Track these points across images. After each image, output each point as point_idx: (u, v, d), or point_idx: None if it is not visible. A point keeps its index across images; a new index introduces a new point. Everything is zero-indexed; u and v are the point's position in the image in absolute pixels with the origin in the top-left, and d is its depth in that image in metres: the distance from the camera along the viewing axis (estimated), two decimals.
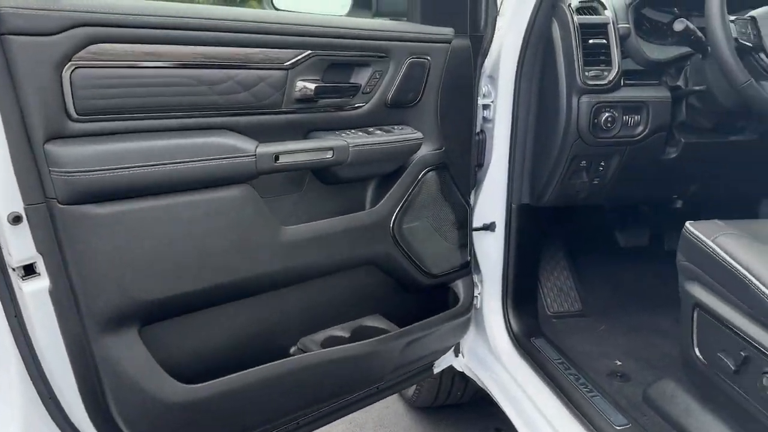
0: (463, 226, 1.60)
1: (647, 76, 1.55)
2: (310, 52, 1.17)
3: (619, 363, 1.67)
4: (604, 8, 1.54)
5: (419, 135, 1.38)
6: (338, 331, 1.36)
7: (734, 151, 1.61)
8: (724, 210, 2.02)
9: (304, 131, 1.23)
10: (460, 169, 1.58)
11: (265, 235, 1.15)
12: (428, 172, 1.45)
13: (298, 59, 1.16)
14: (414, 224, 1.45)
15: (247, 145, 1.09)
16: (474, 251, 1.80)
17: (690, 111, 1.55)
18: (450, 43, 1.42)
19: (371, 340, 1.32)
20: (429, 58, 1.38)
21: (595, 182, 1.64)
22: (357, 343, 1.30)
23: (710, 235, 1.19)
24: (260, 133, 1.14)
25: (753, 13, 1.33)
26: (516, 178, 1.70)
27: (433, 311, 1.52)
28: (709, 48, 1.43)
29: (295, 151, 1.14)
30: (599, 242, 2.11)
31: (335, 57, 1.22)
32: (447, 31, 1.42)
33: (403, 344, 1.39)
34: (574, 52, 1.48)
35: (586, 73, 1.48)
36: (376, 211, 1.36)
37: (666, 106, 1.52)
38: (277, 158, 1.11)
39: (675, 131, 1.57)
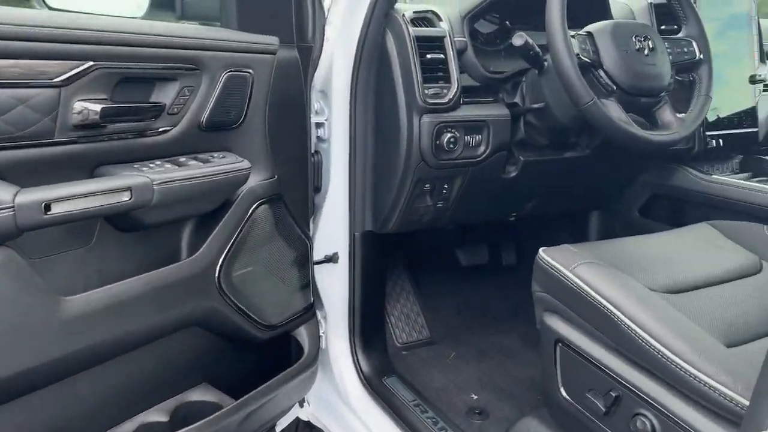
0: (304, 264, 1.40)
1: (484, 93, 1.48)
2: (92, 63, 0.89)
3: (476, 397, 1.58)
4: (440, 19, 1.44)
5: (245, 164, 1.15)
6: (154, 416, 1.08)
7: (568, 167, 1.60)
8: (556, 224, 2.07)
9: (90, 167, 0.94)
10: (297, 197, 1.38)
11: (37, 312, 0.84)
12: (259, 206, 1.23)
13: (76, 73, 0.87)
14: (245, 270, 1.22)
15: None
16: (317, 287, 1.61)
17: (528, 128, 1.51)
18: (275, 54, 1.21)
19: (199, 423, 1.05)
20: (251, 71, 1.16)
21: (439, 205, 1.53)
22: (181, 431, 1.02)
23: (568, 264, 1.12)
24: (22, 175, 0.84)
25: (590, 28, 1.31)
26: (358, 203, 1.54)
27: (275, 368, 1.29)
28: (546, 64, 1.39)
29: (76, 196, 0.85)
30: (441, 263, 2.03)
31: (128, 70, 0.94)
32: (271, 41, 1.21)
33: (240, 419, 1.14)
34: (412, 68, 1.35)
35: (426, 91, 1.36)
36: (196, 259, 1.10)
37: (506, 124, 1.46)
38: (48, 208, 0.82)
39: (514, 149, 1.52)
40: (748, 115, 1.78)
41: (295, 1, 1.31)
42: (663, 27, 1.64)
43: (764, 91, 1.83)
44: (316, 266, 1.54)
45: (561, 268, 1.13)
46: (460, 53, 1.43)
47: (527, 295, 2.06)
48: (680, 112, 1.36)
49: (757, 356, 0.91)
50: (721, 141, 1.67)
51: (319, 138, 1.54)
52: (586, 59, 1.26)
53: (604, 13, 1.60)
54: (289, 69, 1.29)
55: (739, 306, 1.11)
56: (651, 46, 1.29)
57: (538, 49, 1.35)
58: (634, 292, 1.06)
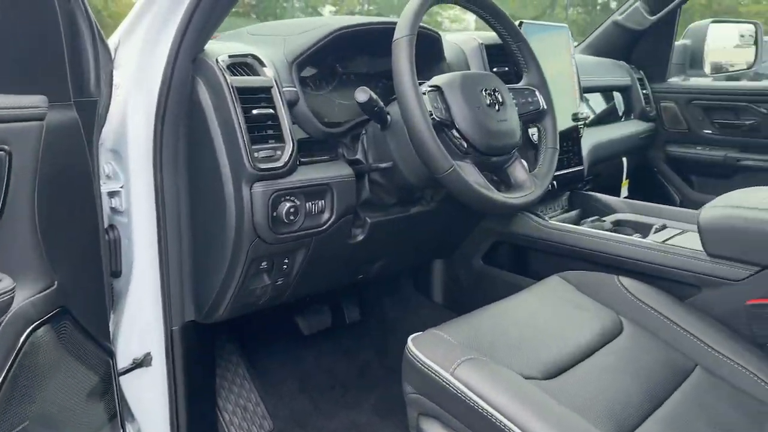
0: (107, 387, 1.06)
1: (320, 149, 1.27)
2: None
3: None
4: (263, 65, 1.19)
5: (6, 283, 0.80)
6: None
7: (415, 222, 1.46)
8: (401, 278, 1.94)
9: None
10: (90, 295, 1.04)
11: None
12: (34, 331, 0.87)
13: None
14: (20, 427, 0.86)
15: None
16: (125, 400, 1.26)
17: (374, 187, 1.33)
18: (43, 120, 0.88)
19: None
20: (7, 147, 0.81)
21: (279, 283, 1.28)
22: None
23: (447, 365, 0.95)
24: None
25: (438, 82, 1.16)
26: (173, 289, 1.23)
27: None
28: (389, 118, 1.22)
29: None
30: (279, 336, 1.77)
31: None
32: (36, 101, 0.86)
33: None
34: (236, 127, 1.09)
35: (256, 154, 1.10)
36: None
37: (351, 185, 1.26)
38: None
39: (360, 211, 1.33)
40: (575, 154, 1.81)
41: (67, 44, 0.97)
42: (495, 69, 1.58)
43: (585, 127, 1.87)
44: (123, 377, 1.21)
45: (440, 370, 0.95)
46: (292, 105, 1.20)
47: (372, 352, 1.90)
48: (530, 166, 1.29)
49: None
50: (555, 183, 1.65)
51: (114, 210, 1.21)
52: (439, 118, 1.11)
53: (440, 55, 1.48)
54: (64, 135, 0.95)
55: (616, 382, 1.04)
56: (501, 99, 1.19)
57: (382, 103, 1.17)
58: (520, 391, 0.93)
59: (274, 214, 1.14)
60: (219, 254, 1.17)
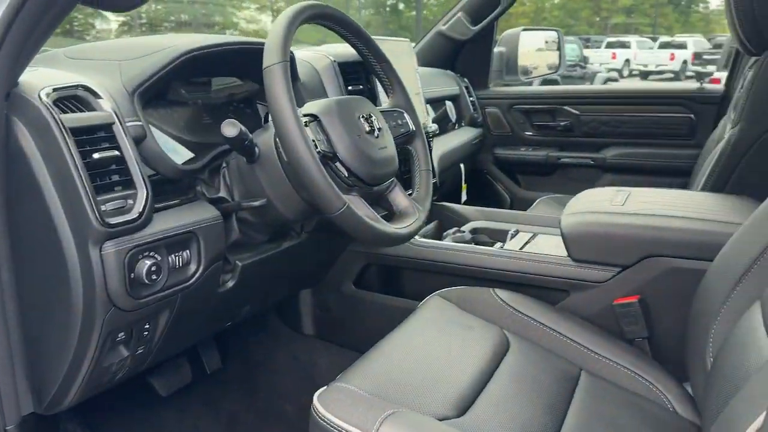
0: None
1: (175, 190, 1.10)
2: None
3: None
4: (97, 97, 0.98)
5: None
6: None
7: (286, 257, 1.34)
8: (266, 314, 1.78)
9: None
10: None
11: None
12: None
13: None
14: None
15: None
16: None
17: (243, 227, 1.19)
18: None
19: None
20: None
21: (140, 352, 1.09)
22: None
23: (367, 427, 0.86)
24: None
25: (313, 110, 1.05)
26: (4, 377, 0.98)
27: None
28: (257, 151, 1.09)
29: None
30: (135, 407, 1.52)
31: None
32: None
33: None
34: (75, 176, 0.88)
35: (103, 208, 0.91)
36: None
37: (218, 228, 1.10)
38: None
39: (228, 255, 1.18)
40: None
41: None
42: (350, 88, 1.51)
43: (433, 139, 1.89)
44: None
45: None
46: (138, 142, 1.01)
47: (239, 399, 1.73)
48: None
49: None
50: None
51: None
52: (322, 151, 1.01)
53: (294, 75, 1.37)
54: None
55: (520, 406, 1.04)
56: (378, 125, 1.12)
57: (251, 135, 1.04)
58: None
59: (132, 276, 0.95)
60: (63, 333, 0.95)
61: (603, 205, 1.42)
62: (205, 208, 1.10)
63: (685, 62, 19.55)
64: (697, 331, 1.14)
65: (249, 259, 1.21)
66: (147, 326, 1.06)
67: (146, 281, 0.96)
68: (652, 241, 1.28)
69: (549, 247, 1.54)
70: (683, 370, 1.20)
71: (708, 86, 2.41)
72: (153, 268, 0.97)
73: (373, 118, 1.12)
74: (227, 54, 1.15)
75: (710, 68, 17.63)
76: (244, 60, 1.19)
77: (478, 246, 1.53)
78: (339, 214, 0.95)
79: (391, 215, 1.17)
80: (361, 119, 1.09)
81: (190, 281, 1.06)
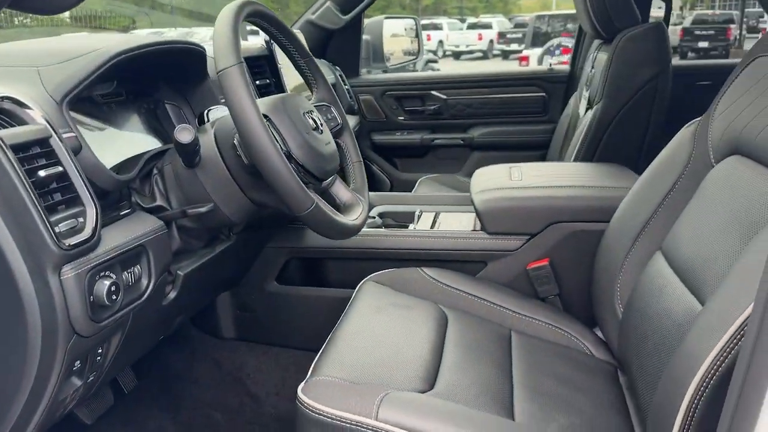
0: None
1: (111, 203, 1.04)
2: None
3: None
4: (24, 107, 0.89)
5: None
6: None
7: (219, 260, 1.30)
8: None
9: None
10: None
11: None
12: None
13: None
14: None
15: None
16: None
17: (183, 234, 1.14)
18: None
19: None
20: None
21: (91, 379, 1.01)
22: None
23: (367, 411, 0.90)
24: None
25: (262, 110, 1.03)
26: None
27: None
28: (201, 154, 1.05)
29: None
30: None
31: None
32: None
33: None
34: (24, 196, 0.80)
35: (57, 229, 0.83)
36: None
37: (164, 238, 1.05)
38: None
39: (171, 266, 1.13)
40: None
41: None
42: (258, 82, 1.50)
43: None
44: None
45: (362, 419, 0.89)
46: (76, 152, 0.94)
47: (161, 418, 1.65)
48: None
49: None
50: None
51: None
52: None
53: (203, 73, 1.33)
54: None
55: (476, 370, 1.13)
56: (320, 121, 1.14)
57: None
58: (440, 409, 0.95)
59: (92, 298, 0.89)
60: (17, 370, 0.86)
61: (505, 181, 1.57)
62: (146, 219, 1.05)
63: (491, 41, 20.67)
64: (603, 284, 1.32)
65: (188, 267, 1.17)
66: (100, 351, 0.99)
67: (106, 302, 0.90)
68: (556, 210, 1.45)
69: (456, 223, 1.66)
70: (591, 319, 1.39)
71: (557, 67, 2.71)
72: (113, 288, 0.91)
73: (314, 114, 1.13)
74: (154, 55, 1.09)
75: (513, 46, 19.09)
76: (172, 62, 1.14)
77: (398, 229, 1.60)
78: (308, 213, 0.96)
79: (336, 208, 1.20)
80: (306, 116, 1.10)
81: (143, 297, 1.01)
